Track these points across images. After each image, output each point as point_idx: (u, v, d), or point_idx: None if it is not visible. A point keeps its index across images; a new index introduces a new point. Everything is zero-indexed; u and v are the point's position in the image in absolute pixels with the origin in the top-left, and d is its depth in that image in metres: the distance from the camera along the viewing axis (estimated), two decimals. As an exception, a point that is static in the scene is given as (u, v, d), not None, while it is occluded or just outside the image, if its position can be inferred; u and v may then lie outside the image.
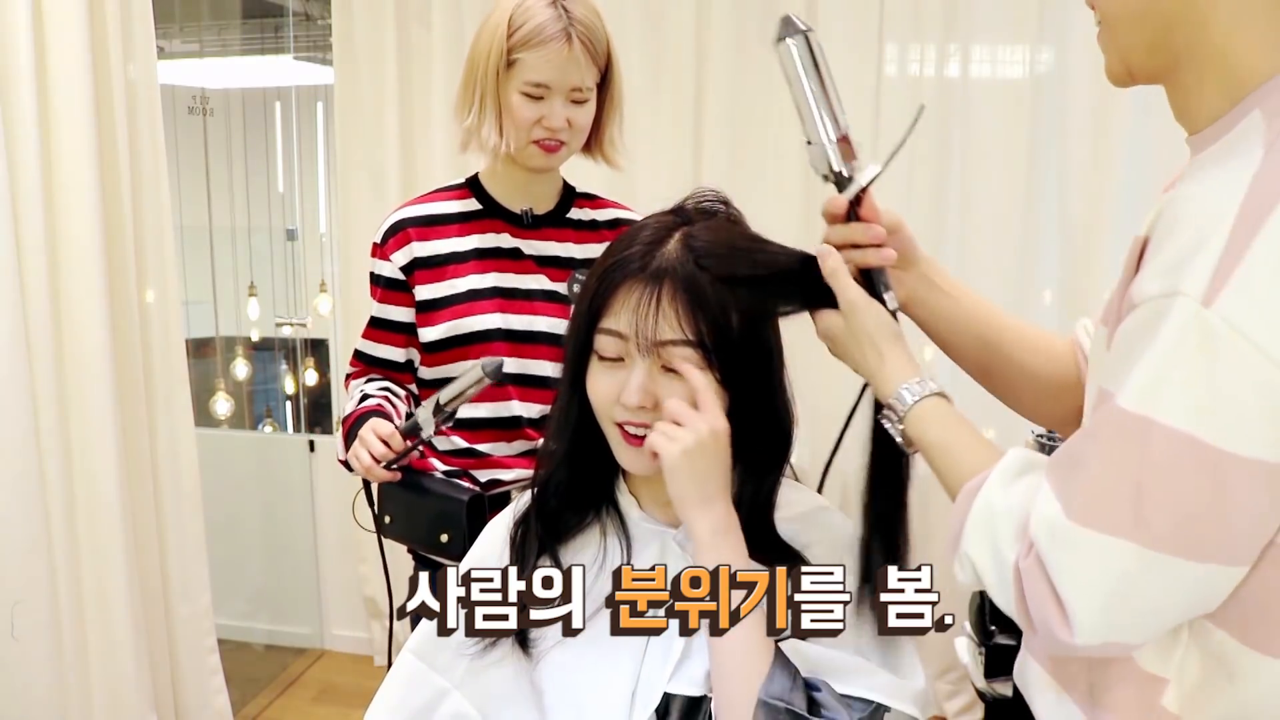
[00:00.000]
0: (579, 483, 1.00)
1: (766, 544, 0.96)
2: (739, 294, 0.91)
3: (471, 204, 1.50)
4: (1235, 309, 0.65)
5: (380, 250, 1.49)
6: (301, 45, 3.50)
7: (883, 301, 0.95)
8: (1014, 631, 2.11)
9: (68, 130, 2.03)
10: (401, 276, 1.48)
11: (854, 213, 0.96)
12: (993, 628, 2.16)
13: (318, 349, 3.93)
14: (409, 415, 1.41)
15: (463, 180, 1.54)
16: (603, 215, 1.55)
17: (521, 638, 0.96)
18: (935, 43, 2.48)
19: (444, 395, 1.32)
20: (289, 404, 4.07)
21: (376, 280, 1.50)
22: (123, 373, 2.19)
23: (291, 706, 2.88)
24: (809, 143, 0.96)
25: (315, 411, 3.98)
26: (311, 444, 3.13)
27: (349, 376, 1.58)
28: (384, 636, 3.05)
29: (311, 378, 3.76)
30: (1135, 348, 0.69)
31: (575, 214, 1.53)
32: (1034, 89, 2.46)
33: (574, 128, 1.42)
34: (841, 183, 0.96)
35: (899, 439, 0.91)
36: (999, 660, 2.14)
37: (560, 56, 1.36)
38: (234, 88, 3.78)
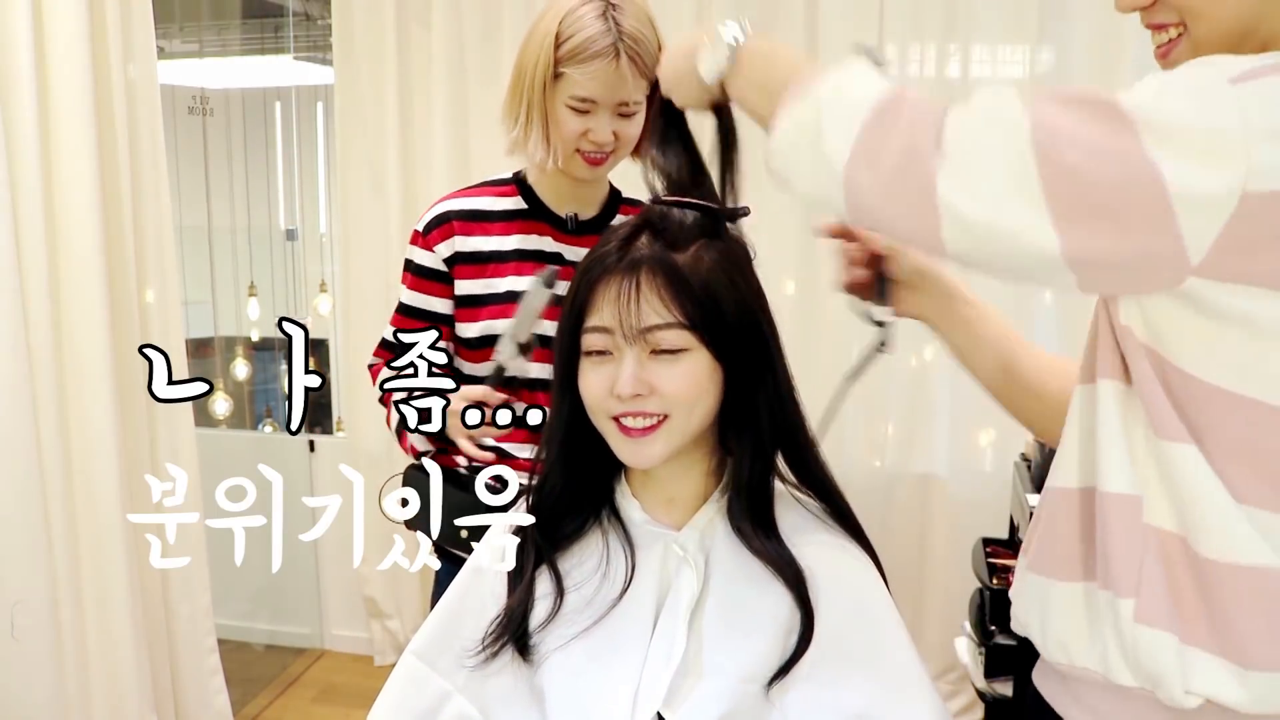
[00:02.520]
0: (574, 489, 1.00)
1: (765, 533, 0.96)
2: (720, 271, 0.92)
3: (517, 202, 1.48)
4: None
5: (423, 240, 1.46)
6: (301, 45, 3.50)
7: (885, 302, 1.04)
8: (1014, 631, 2.11)
9: (68, 130, 2.03)
10: (444, 268, 1.45)
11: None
12: (993, 628, 2.16)
13: (318, 349, 3.93)
14: (488, 366, 1.37)
15: (510, 175, 1.51)
16: None
17: (522, 646, 0.96)
18: (935, 43, 2.48)
19: (515, 331, 1.28)
20: (289, 404, 4.06)
21: (414, 269, 1.47)
22: (123, 373, 2.19)
23: (291, 706, 2.88)
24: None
25: (315, 411, 3.97)
26: (311, 444, 3.13)
27: (375, 367, 1.54)
28: (384, 636, 3.05)
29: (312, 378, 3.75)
30: None
31: (618, 221, 1.51)
32: (1034, 89, 2.46)
33: (620, 140, 1.39)
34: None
35: (716, 70, 0.90)
36: (999, 660, 2.14)
37: (608, 73, 1.33)
38: (234, 88, 3.78)
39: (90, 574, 2.17)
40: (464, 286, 1.45)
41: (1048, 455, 2.18)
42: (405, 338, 1.45)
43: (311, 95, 3.76)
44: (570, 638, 0.95)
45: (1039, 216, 0.70)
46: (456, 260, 1.45)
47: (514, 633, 0.96)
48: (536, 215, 1.48)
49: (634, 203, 1.55)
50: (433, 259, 1.46)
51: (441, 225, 1.45)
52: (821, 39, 2.48)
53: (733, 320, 0.92)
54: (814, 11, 2.47)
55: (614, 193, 1.54)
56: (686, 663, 0.92)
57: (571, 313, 0.94)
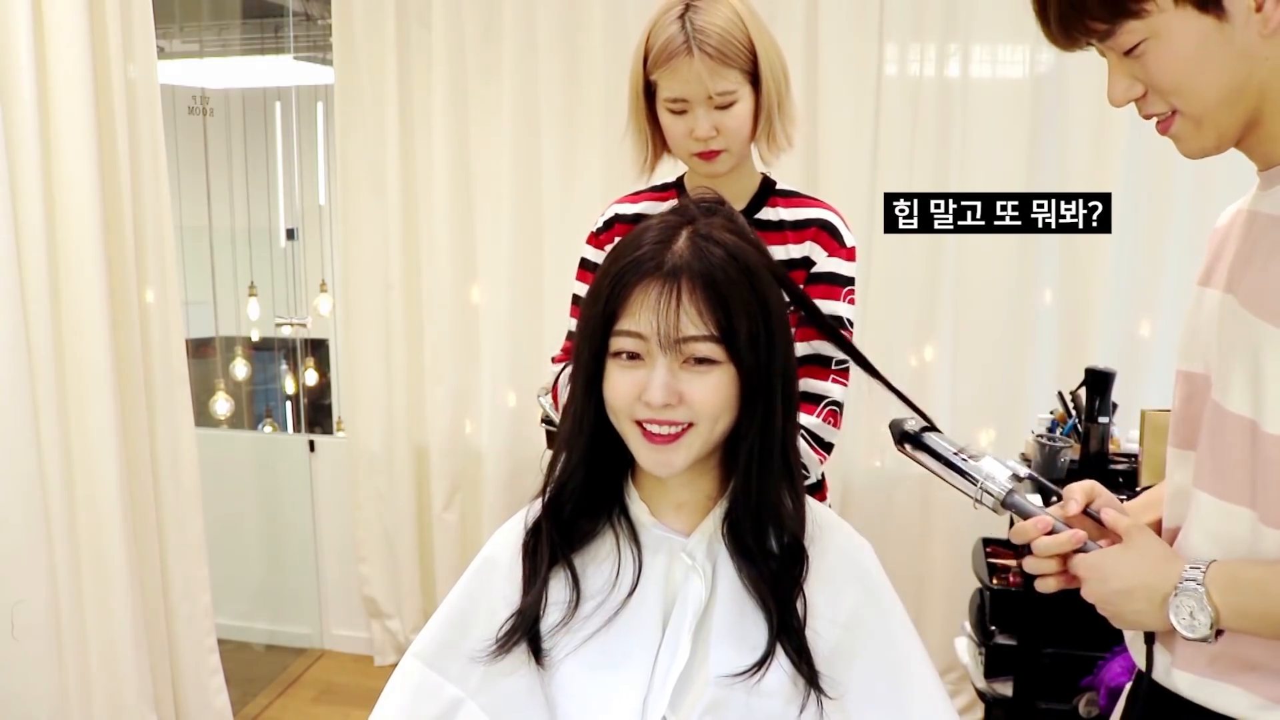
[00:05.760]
0: (594, 487, 0.99)
1: (763, 554, 0.95)
2: (752, 286, 0.91)
3: (673, 204, 1.52)
4: None
5: (596, 240, 1.57)
6: (301, 45, 3.50)
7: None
8: (1014, 631, 2.11)
9: (68, 130, 2.03)
10: None
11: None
12: (993, 628, 2.16)
13: (318, 349, 3.94)
14: None
15: (674, 180, 1.57)
16: (792, 215, 1.50)
17: (535, 647, 0.95)
18: (935, 43, 2.48)
19: None
20: (289, 404, 4.08)
21: (588, 265, 1.57)
22: (123, 373, 2.19)
23: (291, 706, 2.88)
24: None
25: (315, 411, 3.98)
26: (311, 444, 3.13)
27: (558, 359, 1.60)
28: (384, 636, 3.05)
29: (311, 378, 3.76)
30: None
31: (765, 214, 1.50)
32: (1034, 89, 2.46)
33: (724, 132, 1.40)
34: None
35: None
36: (999, 660, 2.14)
37: (686, 70, 1.36)
38: (234, 88, 3.79)
39: (90, 574, 2.17)
40: None
41: (1048, 455, 2.19)
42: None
43: (311, 95, 3.77)
44: (581, 641, 0.95)
45: None
46: None
47: (527, 629, 0.95)
48: None
49: (788, 194, 1.52)
50: (602, 255, 1.50)
51: (612, 228, 1.54)
52: (821, 39, 2.48)
53: (760, 335, 0.91)
54: (814, 11, 2.47)
55: (765, 186, 1.52)
56: (692, 670, 0.92)
57: (604, 313, 0.93)
